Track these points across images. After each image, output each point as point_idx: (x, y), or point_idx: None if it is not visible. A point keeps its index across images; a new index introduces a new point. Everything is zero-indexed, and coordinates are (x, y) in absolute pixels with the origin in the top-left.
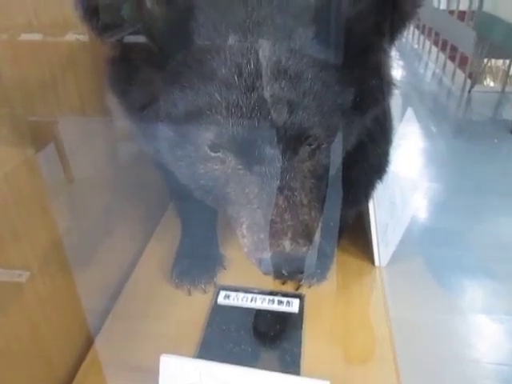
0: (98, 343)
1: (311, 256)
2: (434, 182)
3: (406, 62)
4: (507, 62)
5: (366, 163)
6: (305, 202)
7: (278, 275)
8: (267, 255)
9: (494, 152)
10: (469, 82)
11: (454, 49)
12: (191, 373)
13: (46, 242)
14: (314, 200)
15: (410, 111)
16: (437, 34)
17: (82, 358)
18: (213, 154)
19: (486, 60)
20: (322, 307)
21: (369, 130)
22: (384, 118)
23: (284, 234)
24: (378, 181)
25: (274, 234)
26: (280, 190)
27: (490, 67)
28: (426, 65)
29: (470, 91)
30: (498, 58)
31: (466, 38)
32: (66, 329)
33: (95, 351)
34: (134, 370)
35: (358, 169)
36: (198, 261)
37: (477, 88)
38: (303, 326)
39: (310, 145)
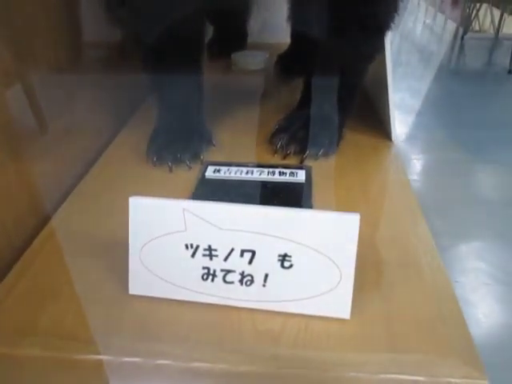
0: (56, 219)
1: None
2: (435, 118)
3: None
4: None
5: None
6: None
7: None
8: None
9: (495, 90)
10: (461, 30)
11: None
12: (173, 217)
13: None
14: None
15: None
16: None
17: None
18: None
19: (478, 5)
20: (333, 178)
21: None
22: None
23: None
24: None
25: None
26: None
27: (479, 30)
28: (416, 17)
29: (462, 38)
30: (488, 1)
31: None
32: (17, 212)
33: (52, 226)
34: (104, 243)
35: None
36: (180, 135)
37: (470, 35)
38: (312, 195)
39: None
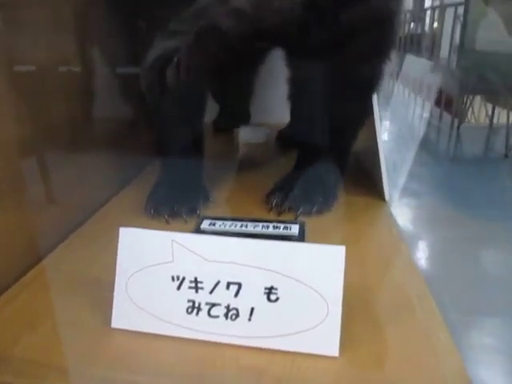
0: (50, 258)
1: None
2: (437, 200)
3: (393, 113)
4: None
5: (370, 34)
6: None
7: None
8: None
9: (494, 173)
10: (456, 121)
11: (438, 92)
12: (161, 248)
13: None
14: None
15: (408, 57)
16: (421, 85)
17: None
18: None
19: (471, 97)
20: (326, 233)
21: None
22: None
23: None
24: (385, 59)
25: None
26: None
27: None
28: (414, 112)
29: (459, 128)
30: (482, 93)
31: (449, 78)
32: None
33: (44, 264)
34: (92, 283)
35: (361, 41)
36: (178, 190)
37: (465, 125)
38: None
39: None
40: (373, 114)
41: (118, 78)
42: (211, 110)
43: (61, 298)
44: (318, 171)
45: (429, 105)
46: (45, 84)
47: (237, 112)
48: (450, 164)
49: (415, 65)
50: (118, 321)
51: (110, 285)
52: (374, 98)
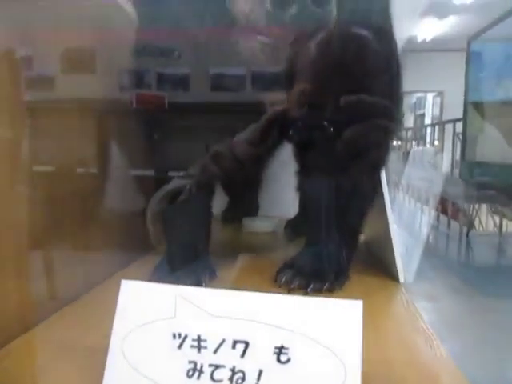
0: (44, 324)
1: None
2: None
3: (400, 217)
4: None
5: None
6: None
7: None
8: None
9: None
10: (464, 229)
11: (444, 201)
12: (163, 303)
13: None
14: None
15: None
16: (426, 194)
17: None
18: None
19: (476, 206)
20: None
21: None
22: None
23: None
24: (392, 134)
25: None
26: None
27: (482, 226)
28: (421, 220)
29: (467, 235)
30: (487, 202)
31: (453, 189)
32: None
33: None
34: (84, 350)
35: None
36: (184, 265)
37: (474, 233)
38: None
39: None
40: (381, 189)
41: (132, 178)
42: (219, 200)
43: (48, 363)
44: (328, 251)
45: (434, 212)
46: (62, 181)
47: (246, 204)
48: (463, 269)
49: (421, 155)
50: None
51: (102, 353)
52: (382, 174)
